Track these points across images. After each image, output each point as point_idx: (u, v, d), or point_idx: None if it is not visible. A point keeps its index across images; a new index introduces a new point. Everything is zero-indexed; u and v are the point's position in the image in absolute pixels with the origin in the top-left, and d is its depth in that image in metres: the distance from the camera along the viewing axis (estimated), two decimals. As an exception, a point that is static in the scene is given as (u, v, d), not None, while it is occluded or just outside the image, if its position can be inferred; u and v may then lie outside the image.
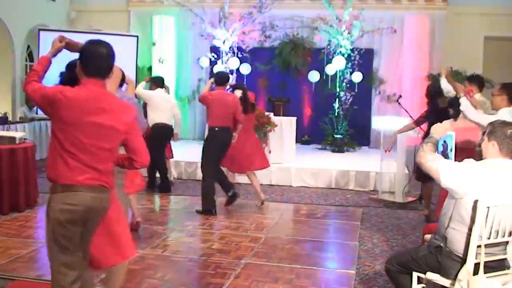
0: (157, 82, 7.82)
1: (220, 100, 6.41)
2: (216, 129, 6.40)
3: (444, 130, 3.37)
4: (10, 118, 10.25)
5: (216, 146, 6.44)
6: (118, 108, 2.75)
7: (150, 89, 7.74)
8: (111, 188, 2.81)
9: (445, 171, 3.02)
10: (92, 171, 2.68)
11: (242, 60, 11.68)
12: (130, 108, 2.83)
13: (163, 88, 7.81)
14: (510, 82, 5.24)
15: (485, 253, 2.94)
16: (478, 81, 5.77)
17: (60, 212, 2.63)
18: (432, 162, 3.10)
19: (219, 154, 6.51)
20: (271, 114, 8.96)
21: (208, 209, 6.45)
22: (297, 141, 9.97)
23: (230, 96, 6.58)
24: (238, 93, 6.72)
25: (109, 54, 2.76)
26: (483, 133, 3.20)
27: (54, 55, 2.90)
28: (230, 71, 11.60)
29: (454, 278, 2.99)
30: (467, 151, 4.28)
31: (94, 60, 2.71)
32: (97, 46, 2.75)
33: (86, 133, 2.64)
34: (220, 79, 6.65)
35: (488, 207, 2.87)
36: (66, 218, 2.64)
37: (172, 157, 8.38)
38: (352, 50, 11.28)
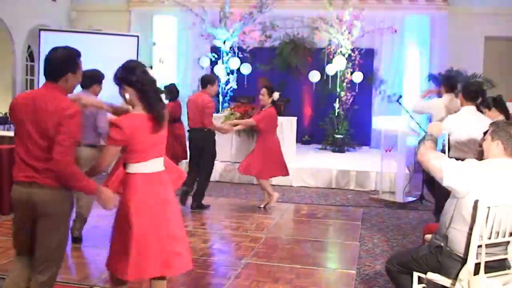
0: None
1: (193, 102, 6.60)
2: (188, 130, 6.71)
3: (440, 128, 3.37)
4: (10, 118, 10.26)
5: (189, 146, 6.75)
6: (52, 110, 2.83)
7: None
8: (53, 186, 2.89)
9: (448, 170, 3.01)
10: (29, 168, 2.88)
11: (242, 60, 11.68)
12: (63, 111, 2.82)
13: None
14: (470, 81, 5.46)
15: (486, 253, 2.94)
16: (446, 82, 6.25)
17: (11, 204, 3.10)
18: (435, 161, 3.09)
19: (194, 155, 6.68)
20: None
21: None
22: (297, 141, 9.97)
23: (200, 97, 6.60)
24: (276, 95, 6.70)
25: (63, 59, 2.93)
26: (485, 133, 3.20)
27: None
28: (230, 71, 11.61)
29: (455, 278, 2.98)
30: None
31: (47, 64, 2.93)
32: (53, 51, 2.96)
33: (23, 131, 2.88)
34: (202, 81, 6.77)
35: (489, 207, 2.87)
36: (13, 211, 3.06)
37: (186, 158, 7.63)
38: (352, 50, 11.27)
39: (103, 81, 4.98)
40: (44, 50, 10.49)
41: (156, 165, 3.08)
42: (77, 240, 5.05)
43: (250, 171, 6.79)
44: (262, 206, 6.87)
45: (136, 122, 2.99)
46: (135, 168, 3.03)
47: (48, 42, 10.46)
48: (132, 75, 3.01)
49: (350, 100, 11.40)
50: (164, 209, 3.07)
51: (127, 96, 3.04)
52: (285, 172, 6.94)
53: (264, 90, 6.73)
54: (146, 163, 3.04)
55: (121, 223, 3.05)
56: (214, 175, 8.57)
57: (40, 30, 10.84)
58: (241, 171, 6.89)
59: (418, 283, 3.25)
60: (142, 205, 2.99)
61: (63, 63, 2.93)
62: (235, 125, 7.14)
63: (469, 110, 4.87)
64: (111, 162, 3.06)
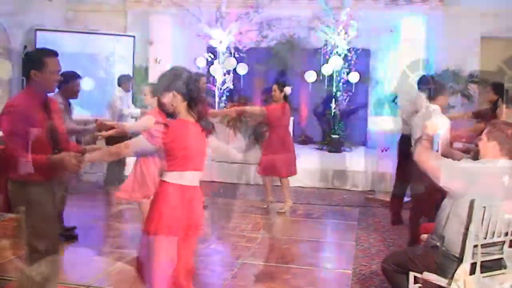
0: (118, 81, 7.83)
1: None
2: None
3: (436, 127, 3.38)
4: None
5: None
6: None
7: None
8: (13, 180, 2.97)
9: (446, 170, 3.01)
10: None
11: (239, 60, 11.67)
12: (4, 109, 2.95)
13: (120, 87, 7.73)
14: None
15: (482, 253, 2.95)
16: (418, 81, 6.09)
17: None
18: (433, 161, 3.10)
19: None
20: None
21: None
22: (294, 141, 9.95)
23: None
24: (288, 89, 6.60)
25: (27, 58, 3.08)
26: (480, 133, 3.21)
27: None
28: (226, 71, 11.61)
29: (451, 278, 2.99)
30: None
31: None
32: None
33: None
34: None
35: (485, 207, 2.88)
36: None
37: None
38: (348, 50, 11.27)
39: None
40: (40, 50, 10.47)
41: (192, 178, 2.91)
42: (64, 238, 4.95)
43: (269, 172, 6.62)
44: (265, 206, 6.81)
45: (183, 127, 2.87)
46: (170, 176, 2.87)
47: (44, 42, 10.41)
48: (181, 82, 2.87)
49: (346, 100, 11.40)
50: (189, 227, 2.91)
51: (168, 101, 2.88)
52: (295, 171, 6.84)
53: (274, 86, 6.59)
54: (183, 173, 2.87)
55: (148, 232, 2.88)
56: (211, 175, 8.59)
57: (36, 30, 10.80)
58: (261, 173, 6.79)
59: (414, 283, 3.26)
60: (169, 219, 2.82)
61: (26, 62, 3.05)
62: (240, 112, 6.94)
63: (434, 110, 4.59)
64: (132, 152, 2.94)
